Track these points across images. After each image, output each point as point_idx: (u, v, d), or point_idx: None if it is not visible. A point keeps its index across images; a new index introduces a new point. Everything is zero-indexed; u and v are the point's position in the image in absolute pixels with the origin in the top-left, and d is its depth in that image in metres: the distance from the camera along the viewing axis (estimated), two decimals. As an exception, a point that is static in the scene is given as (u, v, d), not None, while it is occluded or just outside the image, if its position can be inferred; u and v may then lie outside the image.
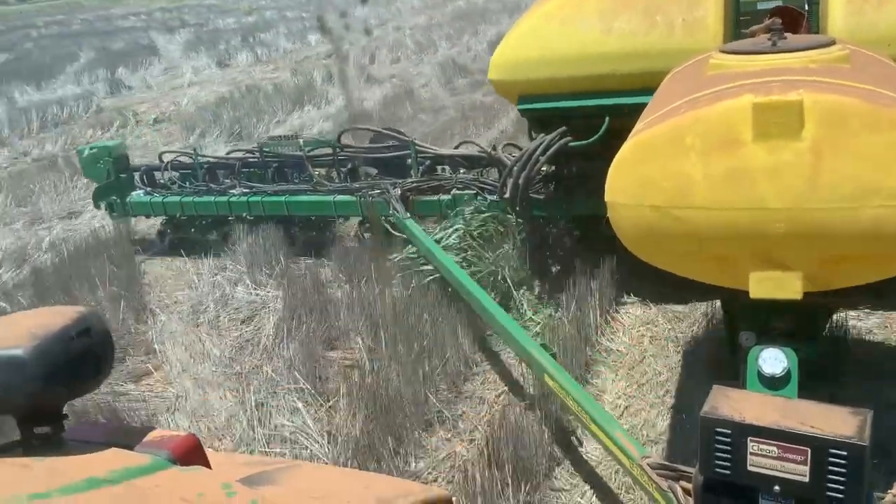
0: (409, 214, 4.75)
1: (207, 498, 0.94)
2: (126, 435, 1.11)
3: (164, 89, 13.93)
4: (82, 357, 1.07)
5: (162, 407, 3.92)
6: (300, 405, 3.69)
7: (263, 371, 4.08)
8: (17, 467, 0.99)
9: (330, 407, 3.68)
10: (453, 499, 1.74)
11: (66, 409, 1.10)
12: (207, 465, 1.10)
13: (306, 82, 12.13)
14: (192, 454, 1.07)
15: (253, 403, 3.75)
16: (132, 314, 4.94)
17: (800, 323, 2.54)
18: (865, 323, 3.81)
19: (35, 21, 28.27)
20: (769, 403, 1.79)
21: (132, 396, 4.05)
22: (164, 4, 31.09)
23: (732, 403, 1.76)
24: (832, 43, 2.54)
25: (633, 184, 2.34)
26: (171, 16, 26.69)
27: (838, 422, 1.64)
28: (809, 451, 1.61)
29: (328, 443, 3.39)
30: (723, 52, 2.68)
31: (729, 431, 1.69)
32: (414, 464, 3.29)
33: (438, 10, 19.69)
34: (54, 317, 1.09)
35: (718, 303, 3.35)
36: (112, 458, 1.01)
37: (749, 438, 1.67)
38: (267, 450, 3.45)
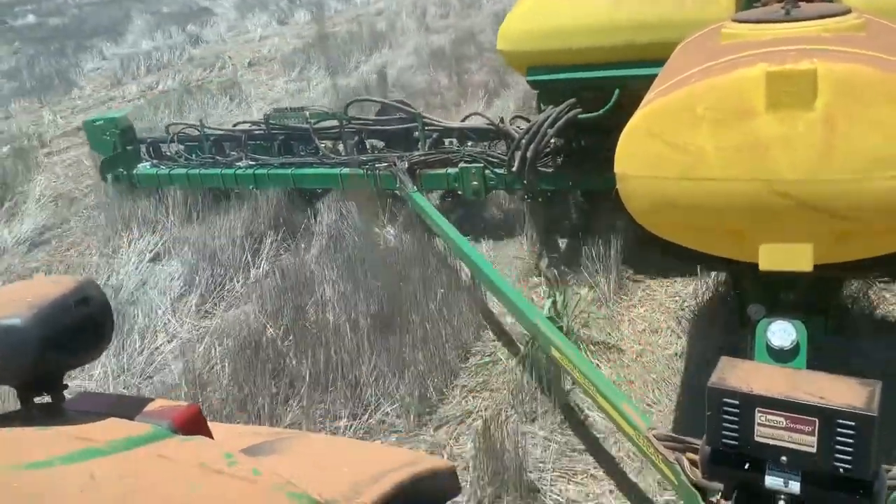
0: (416, 188, 4.73)
1: (209, 467, 0.92)
2: (127, 405, 1.09)
3: (238, 41, 14.73)
4: (81, 326, 1.06)
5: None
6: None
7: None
8: (15, 436, 0.98)
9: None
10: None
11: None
12: (209, 436, 1.08)
13: (374, 31, 12.94)
14: (193, 424, 1.06)
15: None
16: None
17: (810, 295, 2.52)
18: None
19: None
20: (777, 374, 1.78)
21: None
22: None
23: (740, 374, 1.76)
24: (847, 11, 2.48)
25: (643, 155, 2.31)
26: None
27: (847, 392, 1.63)
28: (817, 421, 1.60)
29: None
30: (735, 21, 2.63)
31: (737, 402, 1.69)
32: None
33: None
34: (52, 286, 1.07)
35: (727, 275, 3.33)
36: (112, 428, 1.00)
37: (757, 409, 1.67)
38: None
